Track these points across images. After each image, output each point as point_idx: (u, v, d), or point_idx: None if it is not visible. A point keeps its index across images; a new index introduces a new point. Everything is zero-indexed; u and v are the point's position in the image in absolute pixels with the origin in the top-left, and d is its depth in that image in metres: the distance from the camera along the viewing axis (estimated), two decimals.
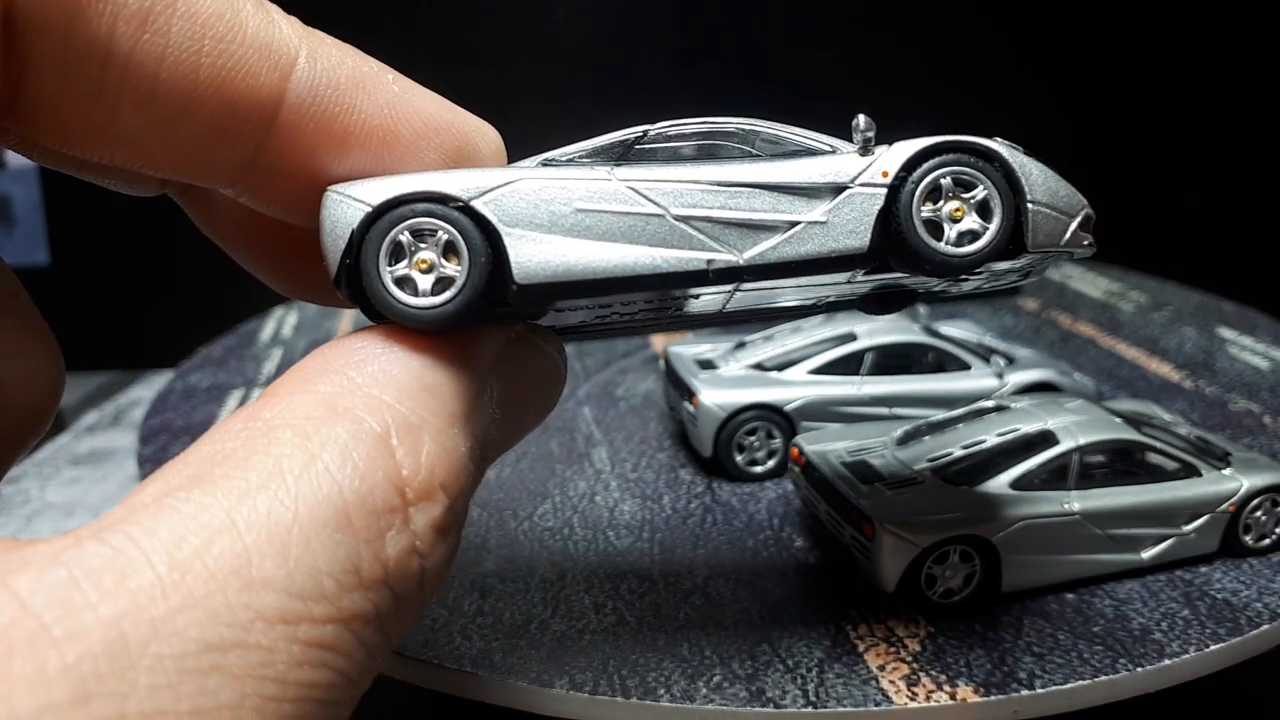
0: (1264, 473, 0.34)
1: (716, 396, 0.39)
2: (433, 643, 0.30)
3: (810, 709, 0.27)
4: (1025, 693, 0.28)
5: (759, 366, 0.41)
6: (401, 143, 0.23)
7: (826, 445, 0.35)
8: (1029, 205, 0.24)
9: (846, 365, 0.41)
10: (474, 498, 0.38)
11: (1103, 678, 0.28)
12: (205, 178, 0.23)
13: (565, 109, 0.76)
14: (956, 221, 0.24)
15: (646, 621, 0.31)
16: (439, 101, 0.24)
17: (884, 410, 0.40)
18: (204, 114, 0.22)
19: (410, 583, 0.19)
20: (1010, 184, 0.24)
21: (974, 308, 0.61)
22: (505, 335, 0.23)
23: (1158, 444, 0.34)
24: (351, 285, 0.22)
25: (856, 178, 0.24)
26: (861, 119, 0.24)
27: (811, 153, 0.24)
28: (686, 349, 0.44)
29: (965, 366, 0.42)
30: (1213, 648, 0.30)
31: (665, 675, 0.29)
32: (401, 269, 0.22)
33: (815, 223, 0.24)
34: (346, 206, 0.22)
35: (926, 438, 0.35)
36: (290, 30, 0.22)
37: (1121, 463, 0.34)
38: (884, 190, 0.23)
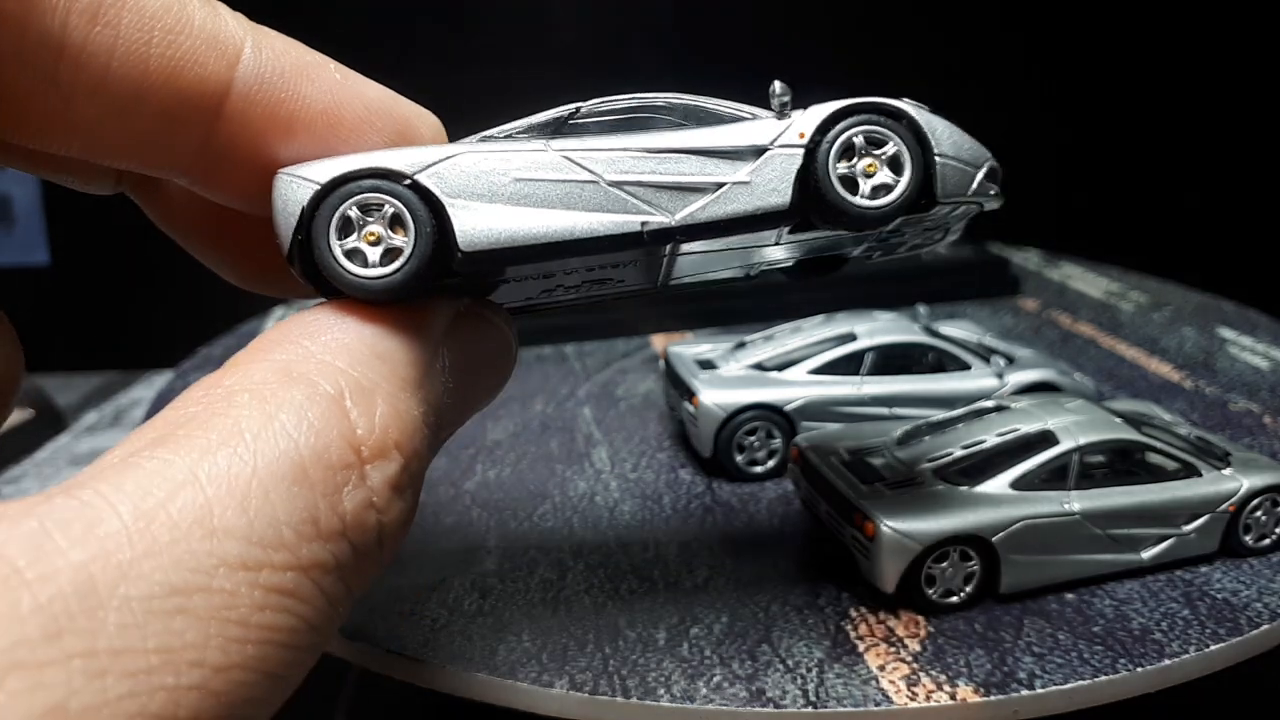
0: (1264, 473, 0.34)
1: (716, 396, 0.39)
2: (433, 642, 0.30)
3: (810, 709, 0.27)
4: (1025, 693, 0.28)
5: (759, 366, 0.41)
6: (345, 127, 0.24)
7: (827, 445, 0.35)
8: (936, 158, 0.26)
9: (846, 365, 0.41)
10: (474, 498, 0.39)
11: (1103, 678, 0.28)
12: (158, 166, 0.24)
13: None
14: (870, 177, 0.25)
15: (647, 621, 0.31)
16: (380, 89, 0.25)
17: (884, 410, 0.40)
18: (155, 102, 0.22)
19: (368, 537, 0.20)
20: (918, 140, 0.26)
21: (974, 308, 0.61)
22: (455, 306, 0.24)
23: (1158, 444, 0.34)
24: (304, 262, 0.23)
25: (776, 140, 0.25)
26: (777, 85, 0.26)
27: (734, 120, 0.26)
28: (686, 349, 0.44)
29: (965, 366, 0.42)
30: (1213, 648, 0.30)
31: (665, 675, 0.29)
32: (351, 242, 0.23)
33: (740, 183, 0.25)
34: (296, 186, 0.23)
35: (926, 438, 0.35)
36: (235, 23, 0.23)
37: (1121, 463, 0.34)
38: (801, 150, 0.25)
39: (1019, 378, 0.41)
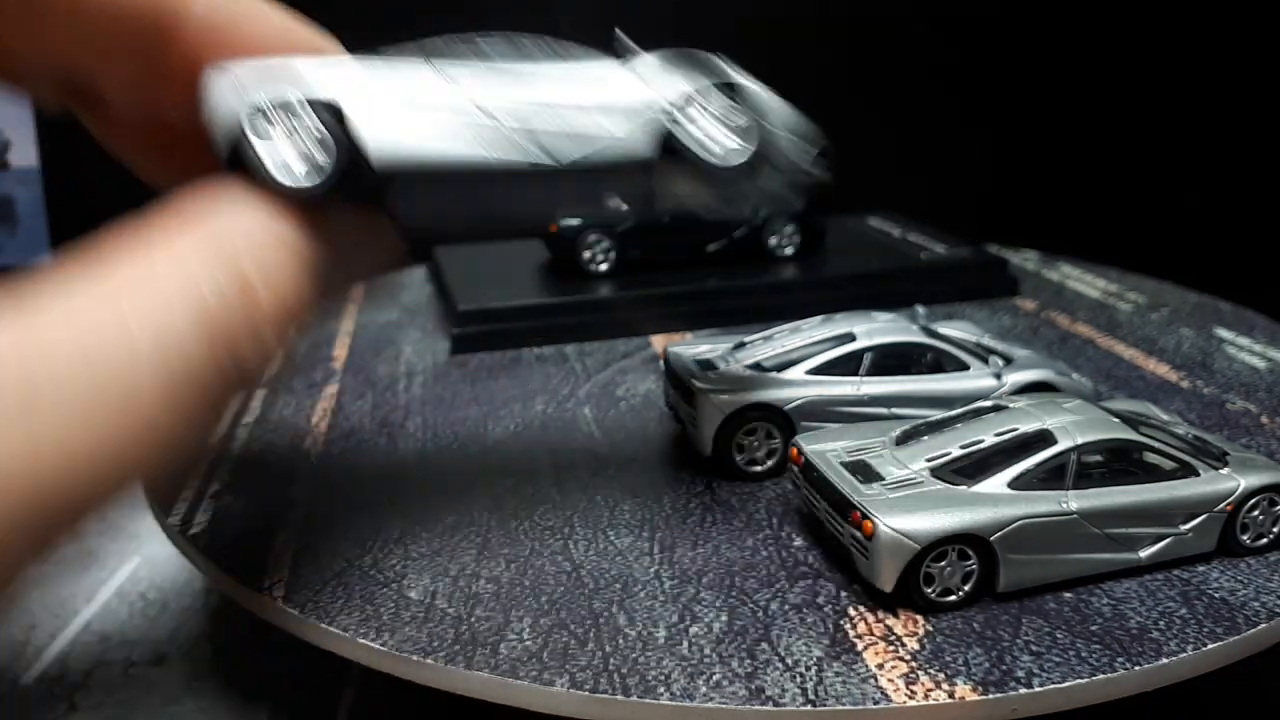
0: (1261, 472, 0.34)
1: (716, 396, 0.39)
2: (434, 641, 0.30)
3: (809, 707, 0.28)
4: (1023, 691, 0.28)
5: (758, 366, 0.41)
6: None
7: (825, 445, 0.36)
8: (769, 127, 0.31)
9: (845, 365, 0.41)
10: (475, 497, 0.39)
11: (1100, 676, 0.29)
12: (108, 74, 0.29)
13: None
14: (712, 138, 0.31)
15: (647, 620, 0.31)
16: (287, 20, 0.30)
17: (883, 410, 0.40)
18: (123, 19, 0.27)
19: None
20: (759, 112, 0.31)
21: (972, 308, 0.61)
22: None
23: (1155, 443, 0.34)
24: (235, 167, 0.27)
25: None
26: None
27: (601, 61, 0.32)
28: (686, 349, 0.44)
29: (964, 367, 0.42)
30: (1210, 646, 0.30)
31: (665, 674, 0.29)
32: (270, 146, 0.27)
33: (611, 130, 0.30)
34: (226, 101, 0.27)
35: (925, 437, 0.35)
36: None
37: (1119, 462, 0.34)
38: (664, 102, 0.30)
39: (1017, 378, 0.42)
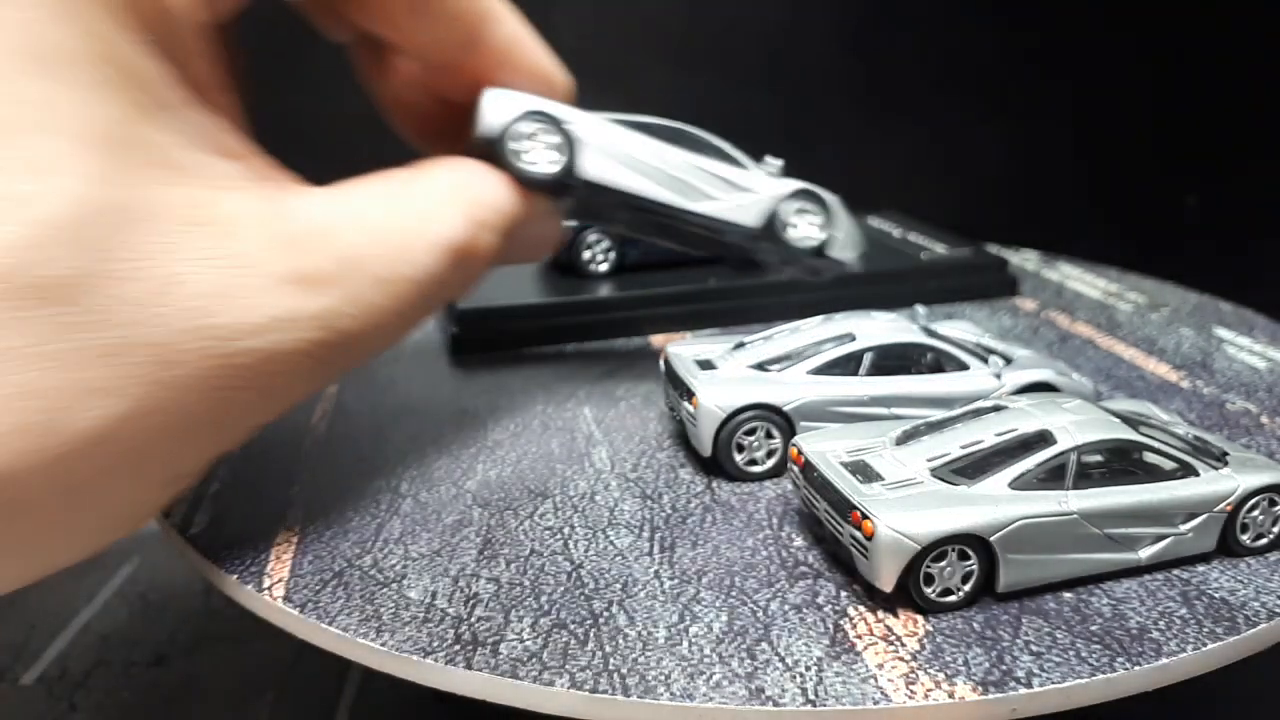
0: (1261, 472, 0.34)
1: (716, 396, 0.39)
2: (434, 641, 0.30)
3: (809, 707, 0.28)
4: (1023, 691, 0.28)
5: (758, 366, 0.41)
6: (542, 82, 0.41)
7: (825, 445, 0.36)
8: (834, 232, 0.46)
9: (845, 365, 0.41)
10: (475, 497, 0.39)
11: (1100, 676, 0.29)
12: (413, 50, 0.39)
13: None
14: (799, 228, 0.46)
15: (647, 620, 0.31)
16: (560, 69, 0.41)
17: (883, 410, 0.40)
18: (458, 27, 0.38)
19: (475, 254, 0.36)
20: (826, 215, 0.46)
21: (972, 308, 0.61)
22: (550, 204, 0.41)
23: (1155, 443, 0.34)
24: (486, 157, 0.38)
25: (764, 190, 0.45)
26: (770, 160, 0.46)
27: (741, 164, 0.45)
28: (686, 349, 0.44)
29: (964, 367, 0.42)
30: (1210, 646, 0.30)
31: (665, 674, 0.29)
32: (524, 147, 0.40)
33: (740, 205, 0.45)
34: (497, 111, 0.40)
35: (925, 438, 0.35)
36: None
37: (1119, 462, 0.34)
38: (773, 198, 0.45)
39: (1017, 378, 0.42)
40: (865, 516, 0.31)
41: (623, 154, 0.42)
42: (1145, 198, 0.79)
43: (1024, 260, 0.71)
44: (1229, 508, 0.33)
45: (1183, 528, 0.33)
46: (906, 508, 0.31)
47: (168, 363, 0.26)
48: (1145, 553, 0.33)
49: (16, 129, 0.25)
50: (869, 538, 0.31)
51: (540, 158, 0.40)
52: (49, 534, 0.27)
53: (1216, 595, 0.32)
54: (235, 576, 0.34)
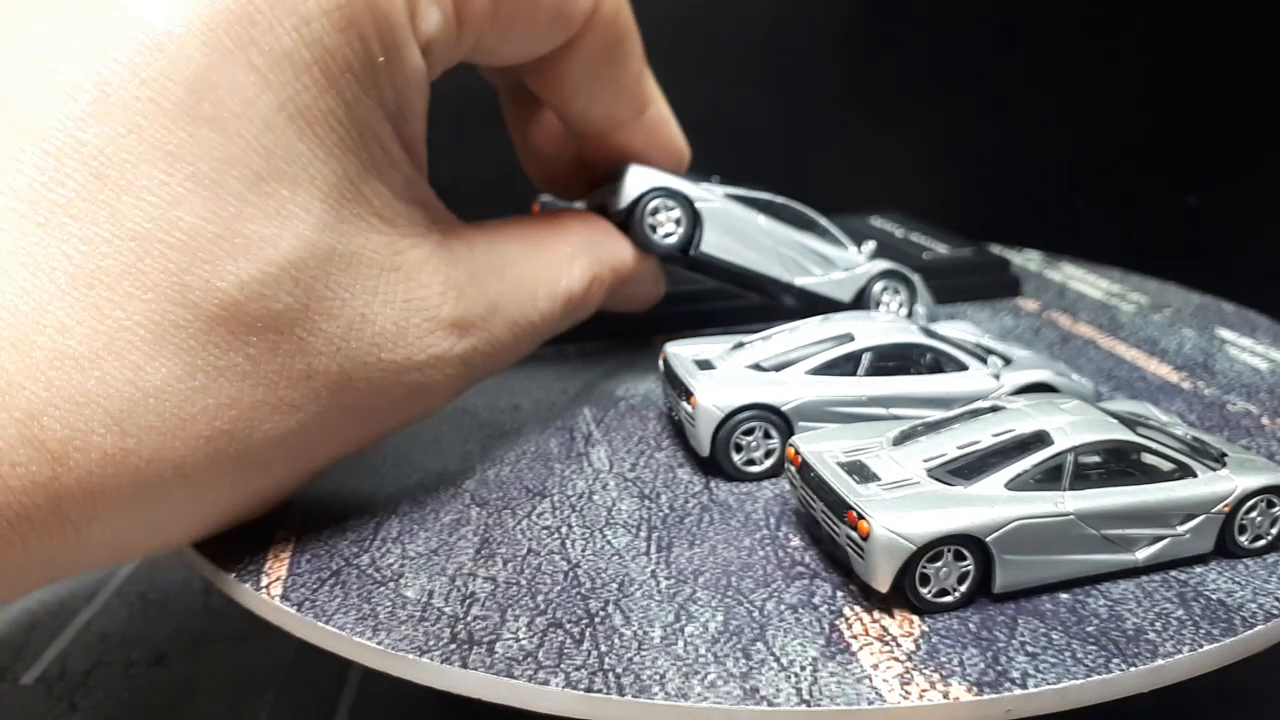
0: (1260, 474, 0.34)
1: (714, 396, 0.39)
2: (429, 641, 0.30)
3: (804, 707, 0.27)
4: (1018, 692, 0.28)
5: (757, 366, 0.41)
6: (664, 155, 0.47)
7: (822, 445, 0.36)
8: (916, 308, 0.52)
9: (844, 366, 0.41)
10: (473, 496, 0.39)
11: (1096, 677, 0.28)
12: (563, 113, 0.44)
13: None
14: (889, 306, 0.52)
15: (642, 620, 0.31)
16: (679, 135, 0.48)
17: (881, 410, 0.40)
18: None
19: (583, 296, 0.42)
20: (911, 294, 0.52)
21: (974, 309, 0.61)
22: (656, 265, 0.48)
23: (1153, 444, 0.34)
24: (618, 222, 0.46)
25: (858, 270, 0.51)
26: (868, 244, 0.52)
27: (840, 244, 0.51)
28: (685, 348, 0.44)
29: (963, 367, 0.42)
30: (1206, 648, 0.30)
31: (660, 673, 0.29)
32: (651, 220, 0.46)
33: (837, 282, 0.51)
34: (640, 181, 0.45)
35: (922, 438, 0.35)
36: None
37: (1116, 463, 0.34)
38: (866, 276, 0.51)
39: (1016, 378, 0.41)
40: (861, 517, 0.31)
41: (740, 232, 0.47)
42: (1145, 198, 0.79)
43: (1026, 260, 0.71)
44: (1227, 509, 0.33)
45: (1180, 529, 0.33)
46: (902, 508, 0.31)
47: (342, 388, 0.32)
48: (1142, 554, 0.33)
49: (272, 177, 0.29)
50: (865, 538, 0.31)
51: (668, 230, 0.46)
52: (176, 520, 0.31)
53: (1214, 597, 0.32)
54: (234, 575, 0.34)
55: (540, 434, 0.45)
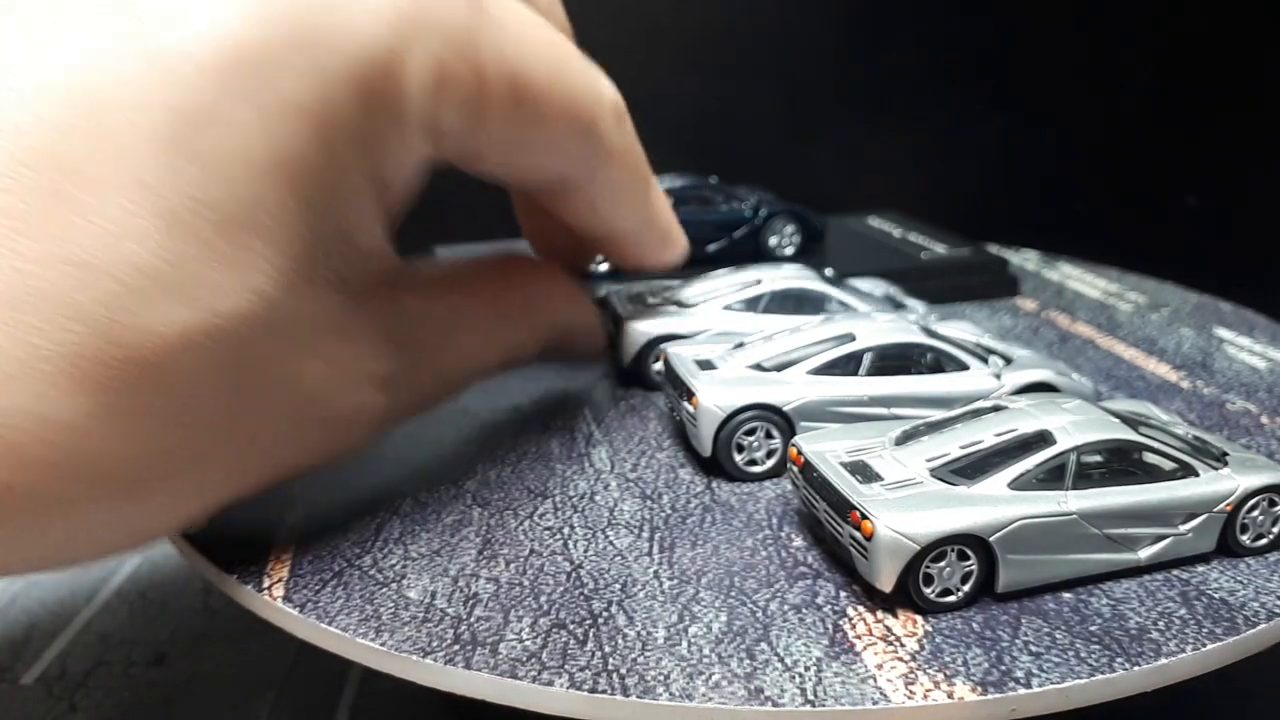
0: (1261, 473, 0.34)
1: (716, 396, 0.39)
2: (434, 641, 0.30)
3: (808, 707, 0.28)
4: (1022, 691, 0.28)
5: (758, 366, 0.41)
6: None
7: (825, 445, 0.36)
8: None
9: (845, 366, 0.41)
10: (474, 497, 0.39)
11: (1099, 676, 0.29)
12: (575, 225, 0.43)
13: None
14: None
15: (646, 620, 0.31)
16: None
17: (883, 410, 0.40)
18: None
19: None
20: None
21: (973, 308, 0.61)
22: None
23: (1155, 444, 0.34)
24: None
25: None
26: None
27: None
28: (685, 348, 0.44)
29: (964, 367, 0.42)
30: (1209, 647, 0.30)
31: (664, 673, 0.29)
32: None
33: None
34: (639, 336, 0.48)
35: (925, 438, 0.35)
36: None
37: (1119, 462, 0.34)
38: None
39: (1017, 378, 0.42)
40: (865, 517, 0.31)
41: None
42: (1145, 198, 0.79)
43: (1024, 260, 0.71)
44: (1229, 508, 0.33)
45: (1182, 528, 0.33)
46: (906, 508, 0.31)
47: (260, 437, 0.31)
48: (1145, 553, 0.33)
49: (246, 226, 0.27)
50: (868, 538, 0.31)
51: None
52: (57, 553, 0.30)
53: (1216, 596, 0.32)
54: (235, 576, 0.34)
55: (541, 434, 0.45)
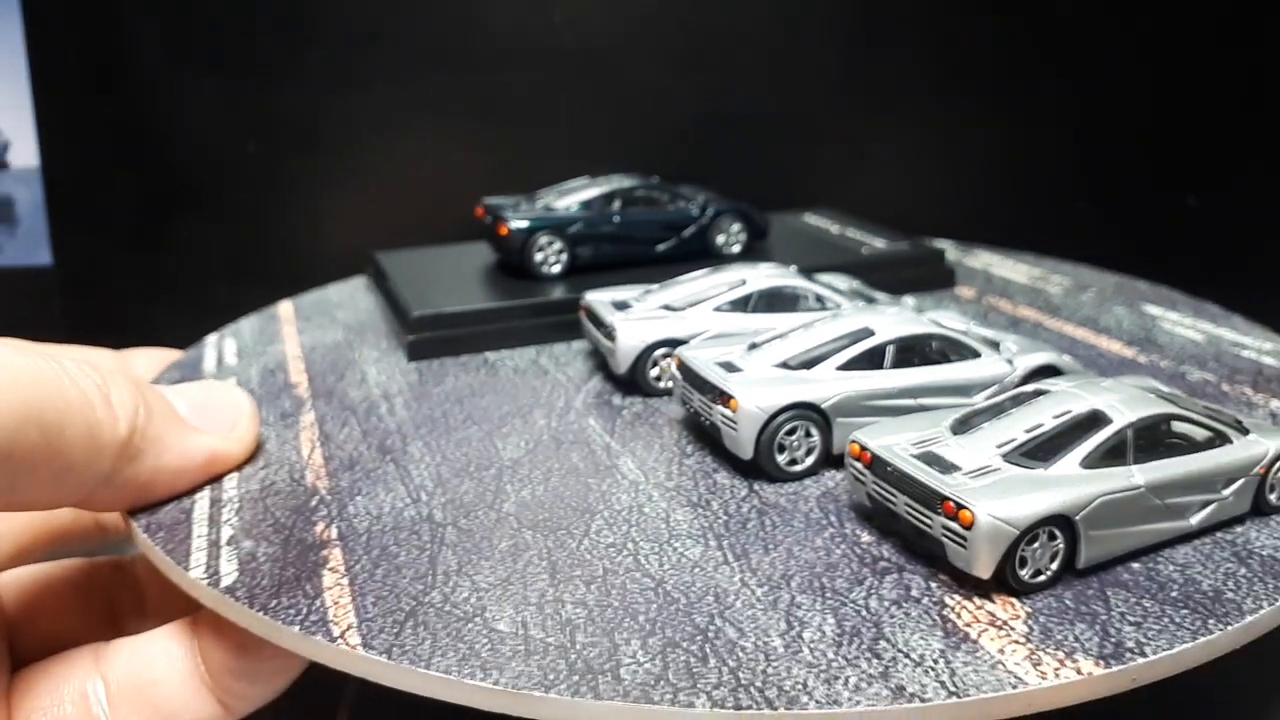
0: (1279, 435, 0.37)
1: (756, 398, 0.39)
2: (548, 675, 0.29)
3: (954, 699, 0.28)
4: (1140, 660, 0.29)
5: (784, 365, 0.41)
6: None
7: (888, 439, 0.36)
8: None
9: (870, 360, 0.41)
10: (519, 520, 0.38)
11: (1202, 639, 0.30)
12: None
13: (566, 111, 0.72)
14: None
15: (755, 630, 0.31)
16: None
17: (910, 401, 0.41)
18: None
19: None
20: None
21: (917, 299, 0.63)
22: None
23: (1193, 415, 0.36)
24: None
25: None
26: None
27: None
28: (700, 352, 0.44)
29: (975, 354, 0.43)
30: None
31: (800, 682, 0.28)
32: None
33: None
34: (634, 345, 0.48)
35: (984, 425, 0.36)
36: None
37: (1165, 436, 0.36)
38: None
39: (1026, 361, 0.43)
40: (961, 506, 0.31)
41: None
42: (1145, 198, 0.80)
43: (944, 250, 0.74)
44: (1262, 471, 0.36)
45: (1225, 492, 0.35)
46: (998, 494, 0.32)
47: None
48: (1195, 519, 0.35)
49: None
50: (968, 527, 0.31)
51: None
52: None
53: (1264, 553, 0.34)
54: (296, 628, 0.31)
55: (556, 449, 0.43)
